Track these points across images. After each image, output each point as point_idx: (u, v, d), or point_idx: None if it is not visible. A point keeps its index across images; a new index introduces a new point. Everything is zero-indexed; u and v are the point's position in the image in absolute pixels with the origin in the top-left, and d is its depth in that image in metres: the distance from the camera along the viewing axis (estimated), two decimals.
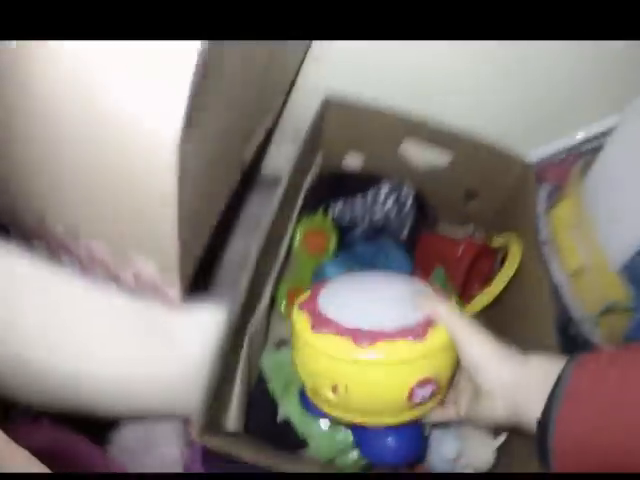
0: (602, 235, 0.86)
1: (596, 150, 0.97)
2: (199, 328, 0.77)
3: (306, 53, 0.94)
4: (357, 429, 0.78)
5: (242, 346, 0.80)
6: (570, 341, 0.87)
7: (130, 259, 0.72)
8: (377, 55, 0.93)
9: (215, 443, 0.67)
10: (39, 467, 0.39)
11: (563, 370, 0.55)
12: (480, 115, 0.99)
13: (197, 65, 0.49)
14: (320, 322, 0.65)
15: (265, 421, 0.85)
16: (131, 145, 0.54)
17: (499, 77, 0.95)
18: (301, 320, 0.68)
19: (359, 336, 0.61)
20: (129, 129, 0.53)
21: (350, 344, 0.61)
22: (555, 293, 0.86)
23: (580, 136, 1.01)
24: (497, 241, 0.99)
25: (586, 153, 1.02)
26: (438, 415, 0.71)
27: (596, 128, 0.99)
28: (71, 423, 0.81)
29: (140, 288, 0.76)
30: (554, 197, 0.98)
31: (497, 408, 0.61)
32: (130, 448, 0.84)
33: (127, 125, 0.53)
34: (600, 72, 0.93)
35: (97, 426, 0.85)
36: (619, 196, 0.86)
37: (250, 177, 1.15)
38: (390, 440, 0.73)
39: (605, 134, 0.97)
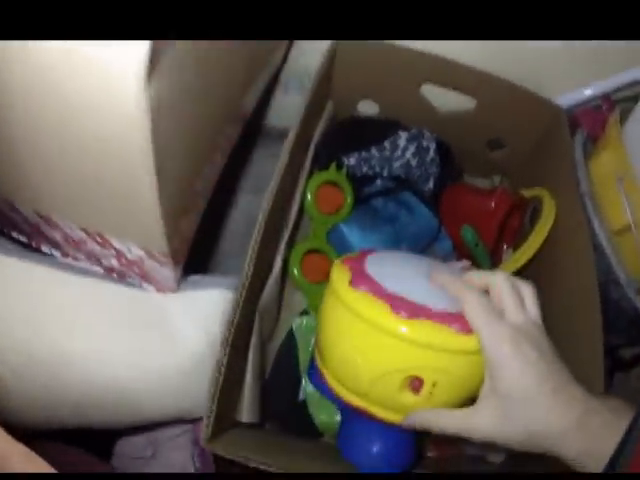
0: None
1: (632, 99, 0.90)
2: (200, 315, 0.71)
3: None
4: (341, 433, 0.70)
5: (252, 327, 0.73)
6: (612, 306, 0.79)
7: (108, 242, 0.64)
8: None
9: (224, 450, 0.60)
10: (39, 463, 0.38)
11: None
12: (504, 59, 0.89)
13: None
14: (360, 279, 0.57)
15: (286, 401, 0.79)
16: (94, 100, 0.46)
17: None
18: (339, 273, 0.60)
19: (399, 305, 0.53)
20: (89, 84, 0.45)
21: (387, 310, 0.53)
22: (595, 253, 0.77)
23: (614, 82, 0.92)
24: (528, 193, 0.91)
25: (621, 101, 0.93)
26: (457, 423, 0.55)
27: (631, 75, 0.91)
28: (71, 440, 0.73)
29: (127, 273, 0.68)
30: (589, 147, 0.89)
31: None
32: (136, 456, 0.77)
33: (87, 80, 0.45)
34: None
35: (99, 439, 0.78)
36: None
37: (255, 131, 1.05)
38: (376, 447, 0.65)
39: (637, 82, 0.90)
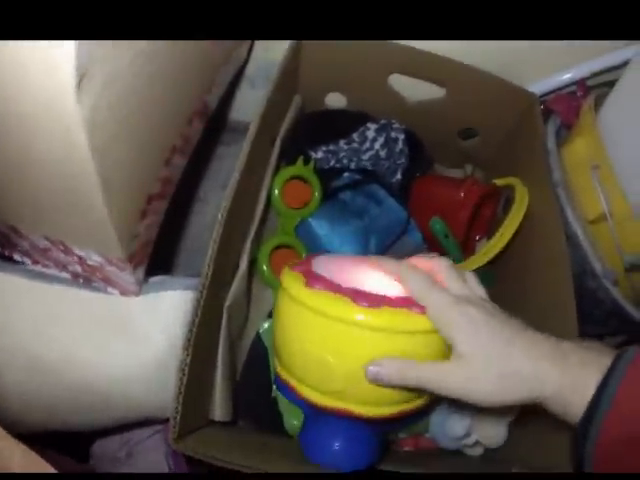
0: (625, 179, 0.75)
1: (607, 84, 0.87)
2: (162, 317, 0.70)
3: None
4: (303, 432, 0.67)
5: (220, 325, 0.71)
6: (589, 296, 0.78)
7: (70, 250, 0.63)
8: None
9: (193, 449, 0.58)
10: (38, 462, 0.39)
11: (612, 369, 0.46)
12: (474, 46, 0.87)
13: None
14: (315, 279, 0.56)
15: (258, 400, 0.77)
16: (31, 113, 0.45)
17: None
18: (291, 278, 0.58)
19: (359, 296, 0.53)
20: (25, 98, 0.44)
21: (349, 303, 0.53)
22: (569, 243, 0.75)
23: (589, 68, 0.89)
24: (500, 182, 0.89)
25: (597, 87, 0.91)
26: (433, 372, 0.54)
27: (603, 61, 0.88)
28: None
29: (92, 278, 0.68)
30: (563, 134, 0.87)
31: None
32: (110, 458, 0.77)
33: (23, 93, 0.44)
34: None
35: (73, 441, 0.77)
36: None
37: (223, 126, 1.03)
38: (337, 445, 0.61)
39: (615, 67, 0.87)
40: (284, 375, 0.62)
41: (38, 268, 0.70)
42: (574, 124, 0.85)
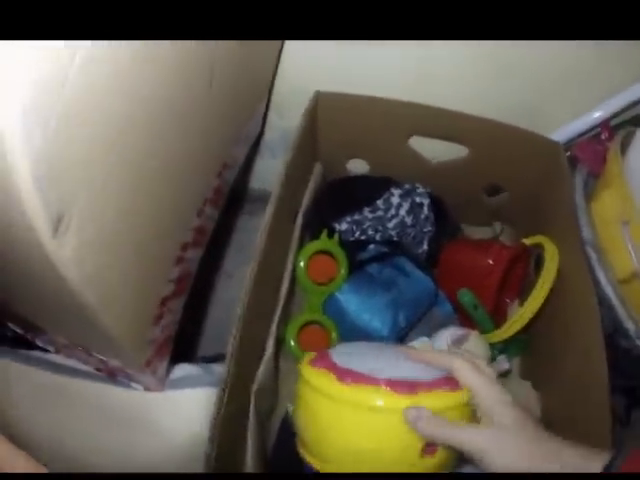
0: None
1: (633, 120, 0.86)
2: (184, 415, 0.70)
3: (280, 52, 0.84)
4: None
5: (247, 410, 0.71)
6: (622, 354, 0.75)
7: (91, 354, 0.64)
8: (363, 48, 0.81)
9: None
10: (40, 469, 0.39)
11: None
12: (492, 99, 0.87)
13: None
14: (345, 373, 0.56)
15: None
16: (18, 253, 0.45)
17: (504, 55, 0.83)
18: (319, 376, 0.58)
19: (395, 385, 0.54)
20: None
21: (388, 392, 0.54)
22: (601, 303, 0.72)
23: (611, 106, 0.87)
24: (529, 241, 0.86)
25: (619, 127, 0.88)
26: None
27: (624, 98, 0.85)
28: None
29: (114, 372, 0.69)
30: (591, 184, 0.84)
31: None
32: None
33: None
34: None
35: None
36: None
37: (244, 198, 1.04)
38: None
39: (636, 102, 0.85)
40: (317, 465, 0.61)
41: (61, 358, 0.71)
42: (602, 172, 0.83)
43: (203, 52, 0.59)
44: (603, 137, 0.87)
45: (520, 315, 0.79)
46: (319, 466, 0.61)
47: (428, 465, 0.56)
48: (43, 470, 0.40)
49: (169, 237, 0.65)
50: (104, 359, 0.65)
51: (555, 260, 0.80)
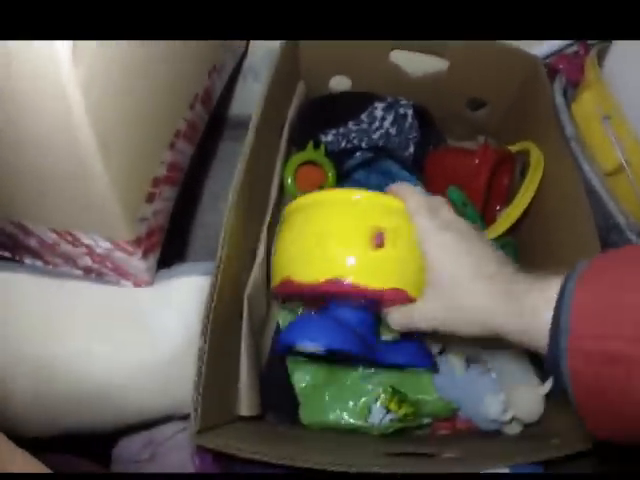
0: (638, 126, 0.73)
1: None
2: (176, 306, 0.70)
3: None
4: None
5: (241, 314, 0.70)
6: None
7: (78, 239, 0.63)
8: None
9: (215, 442, 0.57)
10: (39, 468, 0.38)
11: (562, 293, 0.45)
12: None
13: None
14: None
15: (282, 393, 0.76)
16: (29, 92, 0.46)
17: None
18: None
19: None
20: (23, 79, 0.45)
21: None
22: (589, 196, 0.73)
23: None
24: (514, 148, 0.88)
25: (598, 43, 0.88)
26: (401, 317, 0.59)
27: None
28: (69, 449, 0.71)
29: (103, 271, 0.68)
30: (570, 92, 0.85)
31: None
32: (134, 459, 0.73)
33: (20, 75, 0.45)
34: None
35: (97, 445, 0.75)
36: None
37: (229, 124, 1.03)
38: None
39: None
40: (282, 279, 0.61)
41: (49, 268, 0.71)
42: (580, 81, 0.84)
43: None
44: (581, 52, 0.89)
45: (508, 213, 0.80)
46: (282, 279, 0.61)
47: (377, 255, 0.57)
48: (42, 468, 0.38)
49: (166, 117, 0.66)
50: (92, 244, 0.64)
51: (540, 160, 0.81)
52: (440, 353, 0.75)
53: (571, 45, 0.91)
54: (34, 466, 0.38)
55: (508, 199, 0.88)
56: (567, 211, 0.76)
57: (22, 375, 0.64)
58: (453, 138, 1.02)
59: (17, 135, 0.50)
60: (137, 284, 0.69)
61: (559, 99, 0.81)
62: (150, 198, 0.65)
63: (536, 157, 0.82)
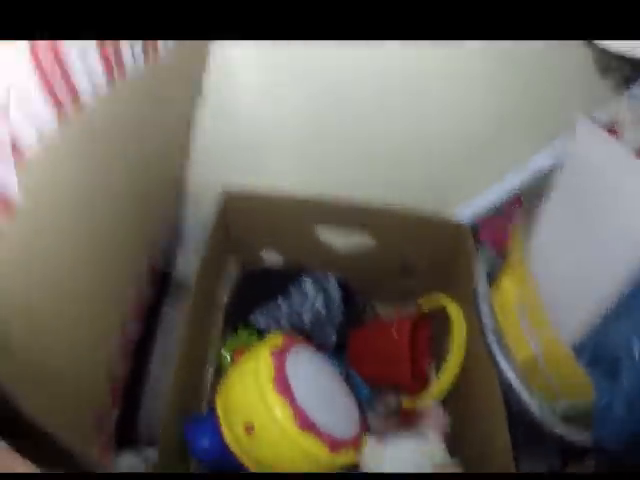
0: (554, 315, 0.76)
1: (532, 194, 0.87)
2: None
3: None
4: None
5: None
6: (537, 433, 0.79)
7: None
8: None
9: None
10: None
11: None
12: (395, 185, 0.92)
13: None
14: (304, 422, 0.70)
15: None
16: None
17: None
18: (265, 363, 0.73)
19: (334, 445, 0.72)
20: None
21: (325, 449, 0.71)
22: (507, 388, 0.77)
23: (511, 183, 0.92)
24: (426, 304, 0.94)
25: (524, 198, 0.92)
26: None
27: (523, 173, 0.91)
28: None
29: None
30: (496, 264, 0.87)
31: None
32: None
33: None
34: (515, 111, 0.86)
35: None
36: (566, 263, 0.76)
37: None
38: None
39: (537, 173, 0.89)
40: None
41: None
42: (506, 248, 0.86)
43: None
44: (509, 212, 0.91)
45: (440, 382, 0.86)
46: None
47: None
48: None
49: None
50: None
51: (459, 313, 0.87)
52: None
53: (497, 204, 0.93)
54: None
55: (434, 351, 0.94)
56: (483, 402, 0.80)
57: None
58: (385, 302, 1.06)
59: None
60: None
61: (482, 285, 0.83)
62: None
63: (454, 311, 0.87)
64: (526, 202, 0.89)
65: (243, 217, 0.91)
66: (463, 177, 0.94)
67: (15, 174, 0.40)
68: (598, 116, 0.76)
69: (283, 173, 0.91)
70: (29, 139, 0.42)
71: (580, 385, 0.74)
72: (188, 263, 0.87)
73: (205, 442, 0.76)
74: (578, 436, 0.78)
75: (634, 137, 0.72)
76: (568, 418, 0.78)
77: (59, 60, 0.44)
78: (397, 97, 0.83)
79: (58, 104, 0.45)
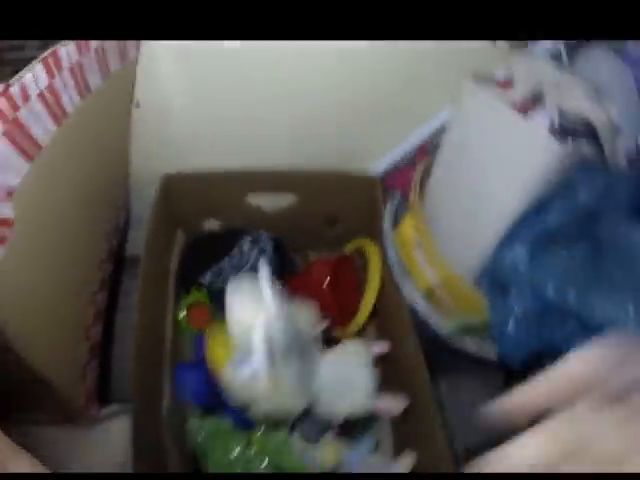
0: (447, 249, 0.86)
1: (434, 146, 0.96)
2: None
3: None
4: None
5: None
6: (448, 352, 0.90)
7: None
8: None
9: None
10: (40, 468, 0.39)
11: None
12: (316, 147, 1.04)
13: None
14: None
15: None
16: None
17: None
18: None
19: None
20: None
21: None
22: (415, 311, 0.89)
23: (416, 138, 1.03)
24: (350, 247, 1.08)
25: (428, 150, 1.02)
26: None
27: (428, 128, 1.02)
28: None
29: None
30: (402, 209, 0.99)
31: None
32: None
33: None
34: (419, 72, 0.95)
35: None
36: (456, 206, 0.85)
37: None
38: None
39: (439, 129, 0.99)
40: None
41: None
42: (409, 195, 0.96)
43: None
44: (416, 163, 1.00)
45: (363, 306, 0.99)
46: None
47: None
48: (43, 469, 0.38)
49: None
50: None
51: (376, 253, 1.00)
52: None
53: (407, 155, 1.05)
54: (35, 467, 0.38)
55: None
56: (396, 328, 0.92)
57: None
58: (316, 251, 1.20)
59: None
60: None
61: (387, 225, 0.96)
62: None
63: (371, 250, 1.00)
64: (429, 153, 0.99)
65: (184, 194, 1.04)
66: (376, 135, 1.06)
67: None
68: (498, 73, 0.82)
69: (215, 154, 1.03)
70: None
71: (474, 309, 0.83)
72: (140, 240, 0.99)
73: (194, 384, 0.88)
74: (475, 346, 0.87)
75: (522, 89, 0.80)
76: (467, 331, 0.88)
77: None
78: (309, 69, 0.93)
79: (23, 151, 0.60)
